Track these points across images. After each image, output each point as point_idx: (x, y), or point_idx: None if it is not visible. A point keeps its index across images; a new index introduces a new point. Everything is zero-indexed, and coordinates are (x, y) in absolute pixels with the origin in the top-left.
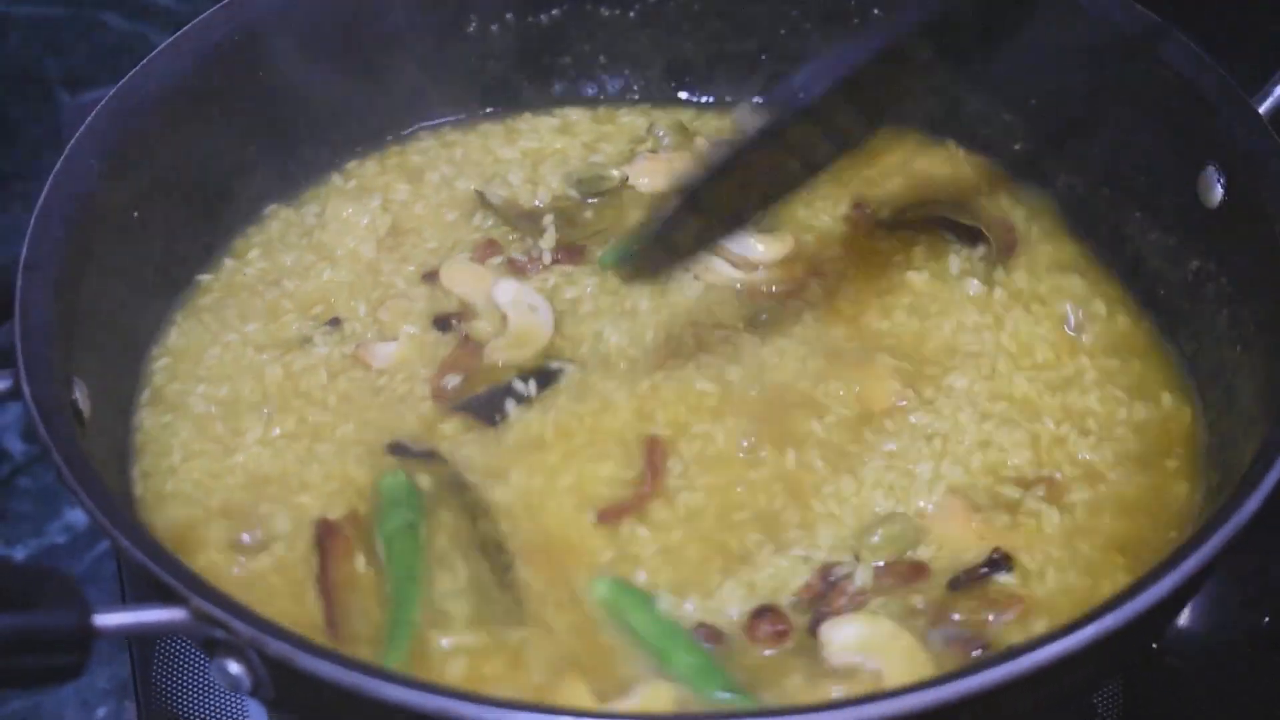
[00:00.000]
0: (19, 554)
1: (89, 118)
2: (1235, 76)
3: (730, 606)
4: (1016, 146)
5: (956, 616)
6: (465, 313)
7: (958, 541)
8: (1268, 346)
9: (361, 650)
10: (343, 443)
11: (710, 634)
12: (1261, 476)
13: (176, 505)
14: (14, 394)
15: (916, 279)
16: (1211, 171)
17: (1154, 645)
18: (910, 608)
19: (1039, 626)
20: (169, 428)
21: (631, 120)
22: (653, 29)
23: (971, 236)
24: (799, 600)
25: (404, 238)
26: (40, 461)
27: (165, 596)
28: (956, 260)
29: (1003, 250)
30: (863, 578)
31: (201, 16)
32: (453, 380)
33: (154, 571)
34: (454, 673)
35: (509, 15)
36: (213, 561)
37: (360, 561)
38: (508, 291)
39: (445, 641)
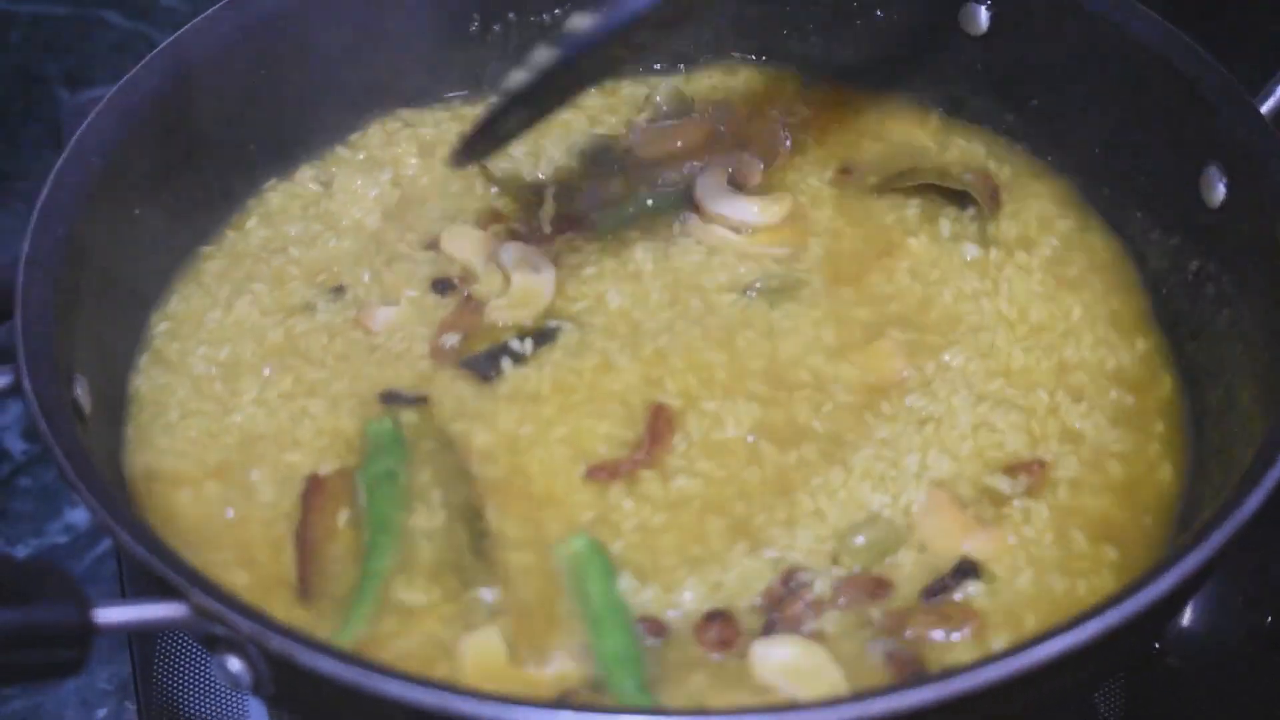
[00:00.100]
0: (19, 554)
1: (90, 116)
2: (1236, 76)
3: (687, 603)
4: (1017, 146)
5: (909, 633)
6: (466, 276)
7: (941, 541)
8: (1268, 346)
9: (328, 609)
10: (336, 398)
11: (653, 627)
12: (1262, 475)
13: (168, 458)
14: (15, 390)
15: (915, 243)
16: (1213, 171)
17: (1155, 645)
18: (864, 620)
19: (998, 644)
20: (166, 387)
21: (633, 91)
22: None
23: (960, 199)
24: (761, 601)
25: (409, 207)
26: (41, 461)
27: (166, 592)
28: (947, 224)
29: (989, 203)
30: (821, 587)
31: (203, 15)
32: (451, 339)
33: (154, 566)
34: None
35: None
36: (194, 508)
37: (343, 517)
38: (511, 252)
39: (406, 595)
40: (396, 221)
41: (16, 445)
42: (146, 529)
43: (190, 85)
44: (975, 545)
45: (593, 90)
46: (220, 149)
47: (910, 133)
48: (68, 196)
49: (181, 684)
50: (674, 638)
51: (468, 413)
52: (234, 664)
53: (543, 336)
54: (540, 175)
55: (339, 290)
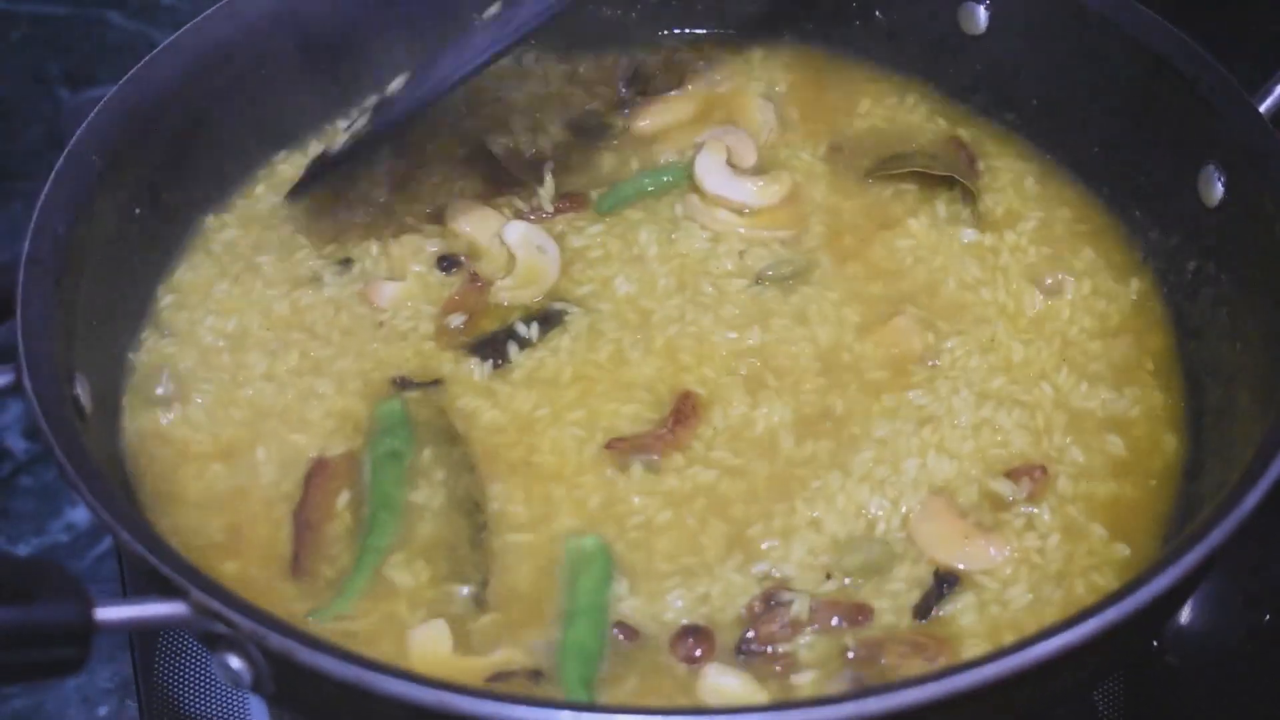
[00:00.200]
0: (21, 552)
1: (90, 115)
2: (1235, 76)
3: (671, 614)
4: (1017, 145)
5: (884, 661)
6: (472, 253)
7: (938, 550)
8: (1268, 346)
9: (318, 587)
10: (343, 376)
11: (628, 633)
12: (1261, 472)
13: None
14: (15, 389)
15: (915, 225)
16: (1212, 170)
17: (1155, 643)
18: (840, 648)
19: None
20: (172, 358)
21: (625, 61)
22: None
23: (950, 180)
24: (742, 614)
25: (414, 174)
26: (42, 461)
27: (166, 590)
28: (942, 205)
29: (967, 171)
30: (800, 608)
31: (203, 14)
32: (457, 319)
33: (155, 565)
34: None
35: None
36: (195, 483)
37: (343, 500)
38: (516, 230)
39: (395, 574)
40: (403, 191)
41: (18, 444)
42: (147, 528)
43: (191, 84)
44: (973, 554)
45: (593, 61)
46: (221, 145)
47: (901, 118)
48: (68, 196)
49: (182, 682)
50: (645, 643)
51: (477, 396)
52: (234, 662)
53: (548, 320)
54: (539, 151)
55: (346, 263)
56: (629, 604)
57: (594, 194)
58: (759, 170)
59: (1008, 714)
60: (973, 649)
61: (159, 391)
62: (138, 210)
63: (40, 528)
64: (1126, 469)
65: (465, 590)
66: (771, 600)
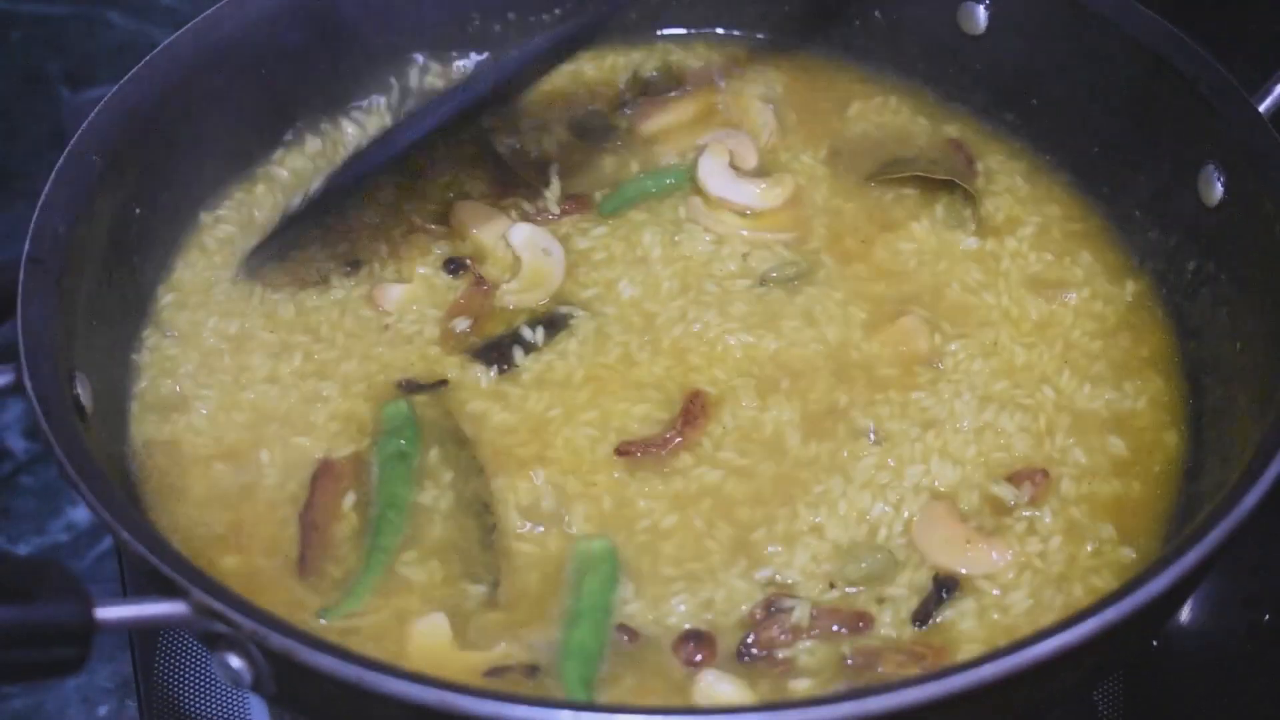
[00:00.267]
0: (21, 551)
1: (91, 115)
2: (1235, 76)
3: (672, 617)
4: (1017, 145)
5: (881, 669)
6: (478, 255)
7: (940, 555)
8: (1268, 346)
9: (325, 587)
10: (347, 379)
11: (630, 635)
12: (1261, 472)
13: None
14: (16, 388)
15: (917, 228)
16: (1211, 170)
17: (1154, 643)
18: (838, 656)
19: None
20: (174, 359)
21: (622, 61)
22: None
23: (950, 183)
24: (744, 620)
25: (423, 173)
26: (42, 460)
27: (166, 590)
28: (941, 208)
29: (966, 170)
30: (800, 615)
31: (204, 14)
32: (462, 323)
33: (155, 564)
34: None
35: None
36: (200, 485)
37: (349, 501)
38: (521, 233)
39: (413, 574)
40: (410, 191)
41: (18, 444)
42: (147, 527)
43: (191, 83)
44: (975, 559)
45: (592, 61)
46: (221, 142)
47: (900, 120)
48: (69, 195)
49: (183, 682)
50: (646, 645)
51: (485, 399)
52: (235, 661)
53: (554, 324)
54: (544, 152)
55: (355, 264)
56: (633, 607)
57: (598, 195)
58: (760, 173)
59: (1007, 714)
60: (971, 655)
61: (161, 394)
62: (138, 210)
63: (40, 527)
64: (1128, 470)
65: (479, 588)
66: (773, 606)
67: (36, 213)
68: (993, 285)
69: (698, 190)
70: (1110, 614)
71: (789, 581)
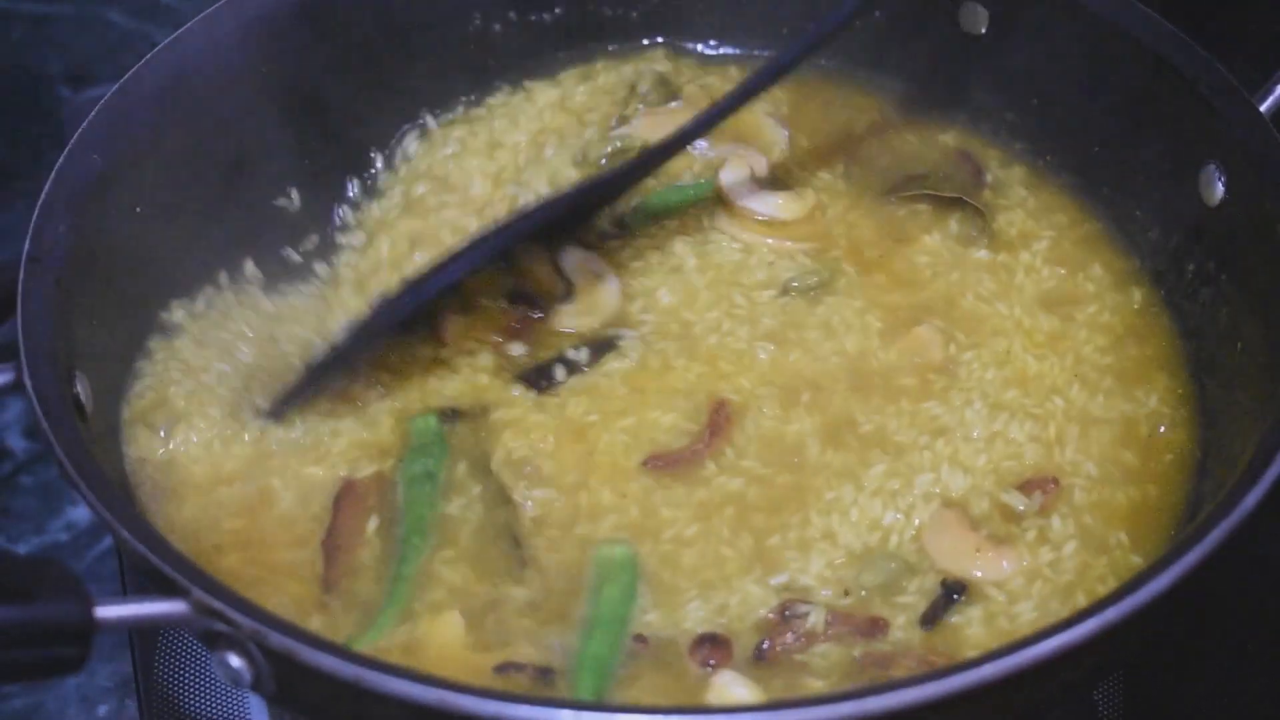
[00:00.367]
0: (21, 551)
1: (91, 114)
2: (1235, 76)
3: (687, 623)
4: (1017, 145)
5: (894, 674)
6: (531, 280)
7: (950, 563)
8: (1268, 346)
9: (348, 613)
10: (380, 410)
11: (646, 644)
12: (1261, 472)
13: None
14: (16, 387)
15: (930, 241)
16: (1212, 170)
17: (1154, 642)
18: (852, 660)
19: None
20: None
21: (611, 79)
22: None
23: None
24: (759, 624)
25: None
26: (42, 459)
27: (166, 589)
28: (954, 223)
29: (974, 180)
30: (815, 620)
31: (204, 13)
32: (518, 349)
33: (155, 563)
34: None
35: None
36: (204, 515)
37: (372, 524)
38: (572, 258)
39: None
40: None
41: (18, 443)
42: (147, 526)
43: (191, 83)
44: (985, 567)
45: (576, 83)
46: (224, 139)
47: (908, 132)
48: (69, 194)
49: (183, 681)
50: (662, 648)
51: (524, 421)
52: (234, 661)
53: (603, 347)
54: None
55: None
56: (651, 616)
57: (626, 215)
58: (776, 186)
59: (1007, 714)
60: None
61: (161, 404)
62: (138, 209)
63: (40, 527)
64: (1138, 478)
65: (503, 589)
66: (788, 611)
67: (36, 213)
68: (1005, 296)
69: (721, 201)
70: (1110, 614)
71: (804, 585)
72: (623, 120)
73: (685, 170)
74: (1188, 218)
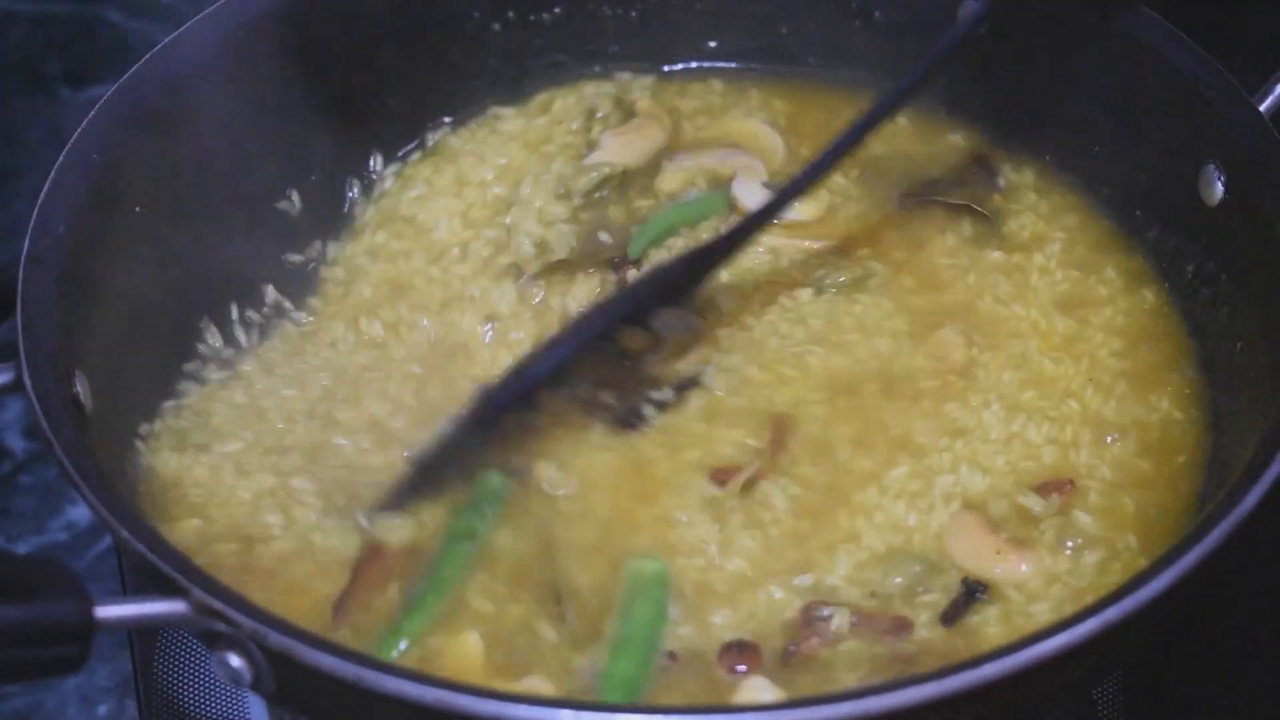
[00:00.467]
0: (20, 551)
1: (90, 114)
2: (1235, 76)
3: (716, 631)
4: (1018, 146)
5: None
6: (625, 342)
7: (972, 564)
8: (1268, 346)
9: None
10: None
11: (674, 658)
12: (1261, 472)
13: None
14: (15, 387)
15: (944, 244)
16: (1212, 170)
17: (1154, 642)
18: (878, 660)
19: None
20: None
21: (566, 104)
22: None
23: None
24: (785, 625)
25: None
26: (42, 459)
27: (166, 589)
28: (968, 226)
29: (989, 194)
30: (839, 622)
31: (204, 13)
32: (607, 397)
33: (154, 563)
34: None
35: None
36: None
37: (393, 590)
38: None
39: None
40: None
41: (18, 443)
42: (146, 526)
43: (191, 81)
44: (1005, 568)
45: (518, 118)
46: (224, 139)
47: (914, 135)
48: (69, 194)
49: (182, 681)
50: (691, 657)
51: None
52: (234, 661)
53: (687, 384)
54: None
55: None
56: (679, 632)
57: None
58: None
59: (1007, 713)
60: None
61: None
62: (138, 209)
63: (40, 526)
64: (1150, 479)
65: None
66: (811, 613)
67: (36, 212)
68: (1022, 298)
69: (734, 210)
70: (1110, 614)
71: (830, 586)
72: (591, 146)
73: (668, 184)
74: (1187, 218)
